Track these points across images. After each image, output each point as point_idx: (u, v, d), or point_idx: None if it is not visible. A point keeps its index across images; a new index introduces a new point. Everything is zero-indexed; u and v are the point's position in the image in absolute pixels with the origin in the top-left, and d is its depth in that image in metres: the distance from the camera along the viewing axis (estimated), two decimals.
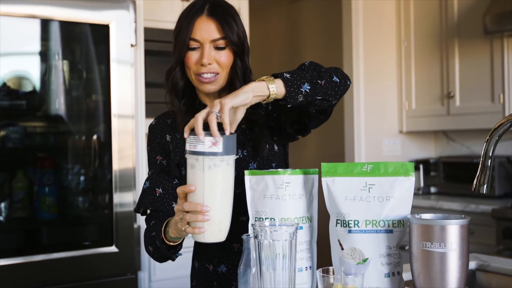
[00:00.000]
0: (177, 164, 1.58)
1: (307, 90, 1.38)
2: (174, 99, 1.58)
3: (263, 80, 1.35)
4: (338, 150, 4.11)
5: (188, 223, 1.29)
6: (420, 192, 3.86)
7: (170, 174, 1.60)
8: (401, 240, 1.32)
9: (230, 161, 1.29)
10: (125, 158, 2.55)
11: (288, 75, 1.38)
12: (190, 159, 1.28)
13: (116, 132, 2.54)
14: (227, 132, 1.25)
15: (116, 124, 2.54)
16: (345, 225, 1.32)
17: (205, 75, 1.51)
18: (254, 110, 1.53)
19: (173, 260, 1.54)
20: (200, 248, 1.63)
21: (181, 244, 1.50)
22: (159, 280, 2.80)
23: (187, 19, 1.51)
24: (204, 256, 1.62)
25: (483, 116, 3.46)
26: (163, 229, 1.45)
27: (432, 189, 3.90)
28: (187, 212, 1.28)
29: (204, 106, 1.60)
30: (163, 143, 1.62)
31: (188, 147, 1.28)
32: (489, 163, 1.41)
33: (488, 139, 1.40)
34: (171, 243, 1.46)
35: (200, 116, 1.26)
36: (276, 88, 1.35)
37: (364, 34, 3.86)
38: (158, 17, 3.02)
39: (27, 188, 2.58)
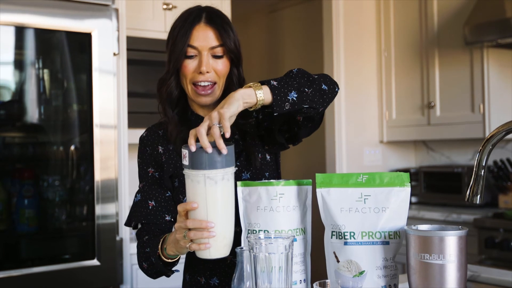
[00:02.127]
0: (170, 176, 1.55)
1: (294, 98, 1.36)
2: (168, 108, 1.55)
3: (250, 87, 1.33)
4: (319, 160, 4.10)
5: (191, 240, 1.25)
6: None
7: (163, 186, 1.56)
8: (397, 251, 1.30)
9: (230, 173, 1.26)
10: (107, 169, 2.50)
11: (275, 83, 1.36)
12: (190, 174, 1.24)
13: (98, 142, 2.48)
14: (227, 135, 1.23)
15: (98, 134, 2.48)
16: (340, 237, 1.30)
17: (202, 83, 1.49)
18: (244, 120, 1.51)
19: (168, 276, 1.50)
20: (192, 261, 1.60)
21: (178, 260, 1.46)
22: None
23: (184, 27, 1.49)
24: (196, 269, 1.58)
25: (463, 126, 3.48)
26: (160, 245, 1.41)
27: (413, 199, 3.91)
28: (190, 229, 1.25)
29: (196, 116, 1.58)
30: (155, 155, 1.58)
31: (188, 161, 1.24)
32: (482, 173, 1.40)
33: (481, 149, 1.39)
34: (169, 260, 1.42)
35: (203, 129, 1.23)
36: (263, 95, 1.33)
37: (345, 44, 3.87)
38: (140, 26, 2.98)
39: (6, 200, 2.50)
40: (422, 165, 4.06)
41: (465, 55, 3.47)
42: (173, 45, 1.50)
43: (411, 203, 3.89)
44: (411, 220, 3.46)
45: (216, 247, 1.26)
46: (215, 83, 1.51)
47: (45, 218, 2.60)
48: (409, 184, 1.32)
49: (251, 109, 1.35)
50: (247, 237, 1.30)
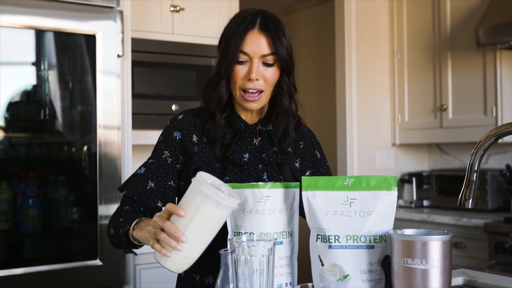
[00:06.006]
0: (195, 168, 1.52)
1: None
2: (217, 112, 1.54)
3: None
4: (331, 162, 4.06)
5: (158, 240, 1.25)
6: (413, 205, 3.83)
7: (169, 173, 1.55)
8: (383, 256, 1.29)
9: (228, 209, 1.24)
10: (110, 170, 2.51)
11: None
12: (197, 189, 1.22)
13: (102, 143, 2.50)
14: None
15: (101, 135, 2.50)
16: (325, 240, 1.29)
17: (251, 91, 1.50)
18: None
19: (126, 253, 1.52)
20: None
21: (140, 246, 1.45)
22: None
23: (238, 31, 1.49)
24: (192, 266, 1.57)
25: (476, 129, 3.43)
26: (133, 224, 1.40)
27: (425, 202, 3.86)
28: (163, 230, 1.23)
29: (239, 118, 1.58)
30: (184, 142, 1.56)
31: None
32: (474, 178, 1.38)
33: (473, 152, 1.37)
34: (133, 242, 1.41)
35: None
36: None
37: (357, 46, 3.84)
38: (147, 28, 2.99)
39: (11, 200, 2.53)
40: (435, 169, 4.01)
41: (478, 57, 3.42)
42: (226, 49, 1.50)
43: (423, 206, 3.84)
44: (422, 223, 3.42)
45: (174, 260, 1.24)
46: (262, 91, 1.51)
47: (49, 218, 2.62)
48: (396, 188, 1.30)
49: None
50: (229, 239, 1.29)
